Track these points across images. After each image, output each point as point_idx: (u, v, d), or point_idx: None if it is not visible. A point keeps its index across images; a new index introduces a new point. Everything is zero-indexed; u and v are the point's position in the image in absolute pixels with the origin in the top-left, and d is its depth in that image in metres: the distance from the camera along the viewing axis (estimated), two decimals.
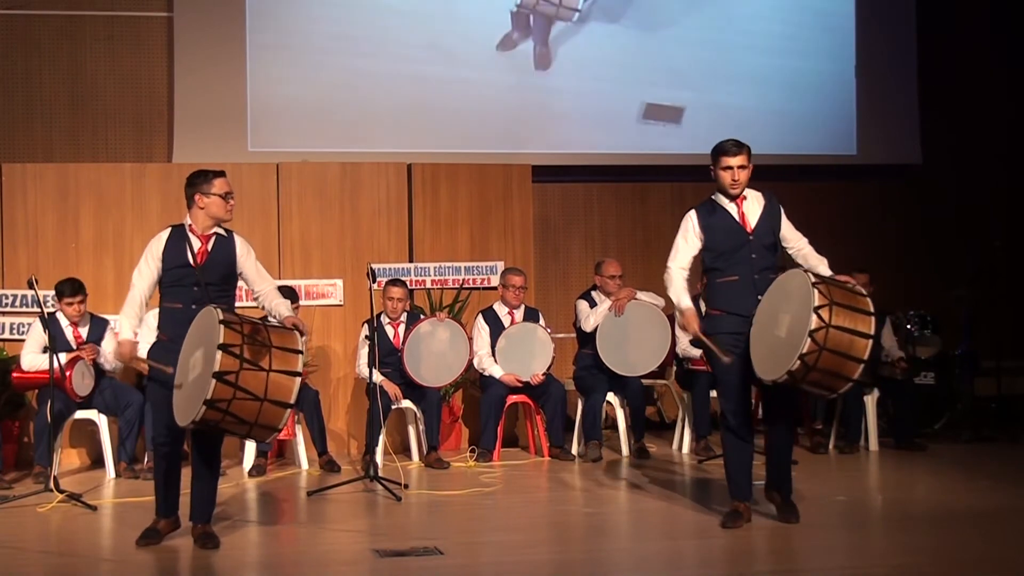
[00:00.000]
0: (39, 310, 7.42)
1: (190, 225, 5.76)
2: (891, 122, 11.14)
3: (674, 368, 9.13)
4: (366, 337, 8.00)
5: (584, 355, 8.74)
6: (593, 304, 8.75)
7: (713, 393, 8.63)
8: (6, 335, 8.61)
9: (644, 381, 8.80)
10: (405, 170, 9.44)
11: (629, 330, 8.57)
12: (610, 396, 8.67)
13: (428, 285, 9.30)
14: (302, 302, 8.78)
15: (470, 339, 8.56)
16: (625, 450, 8.64)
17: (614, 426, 8.95)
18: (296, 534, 6.32)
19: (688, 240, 6.03)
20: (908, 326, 9.41)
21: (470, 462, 8.35)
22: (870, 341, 5.47)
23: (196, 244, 5.70)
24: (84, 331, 7.99)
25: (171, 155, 10.06)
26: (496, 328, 8.67)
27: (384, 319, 8.47)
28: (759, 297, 5.78)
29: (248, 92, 10.13)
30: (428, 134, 10.34)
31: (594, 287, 8.86)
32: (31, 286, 7.05)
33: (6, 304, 8.68)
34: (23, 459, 8.26)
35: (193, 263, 5.65)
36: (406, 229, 9.38)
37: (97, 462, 8.36)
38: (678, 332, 8.78)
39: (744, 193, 5.98)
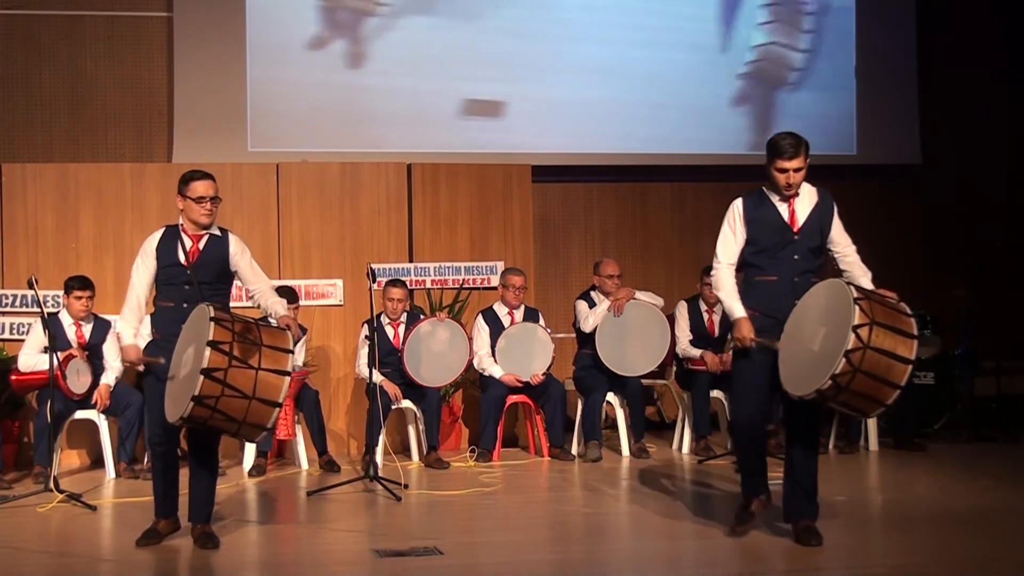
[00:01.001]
0: (39, 310, 7.41)
1: (182, 225, 5.80)
2: (891, 122, 11.14)
3: (674, 368, 9.12)
4: (366, 337, 8.00)
5: (584, 355, 8.74)
6: (592, 304, 8.74)
7: (714, 393, 8.66)
8: (6, 335, 8.61)
9: (644, 381, 8.80)
10: (405, 170, 9.44)
11: (628, 330, 8.57)
12: (610, 396, 8.66)
13: (428, 285, 9.29)
14: (302, 302, 8.77)
15: (470, 339, 8.56)
16: (625, 450, 8.64)
17: (614, 426, 8.94)
18: (296, 534, 6.33)
19: (736, 232, 5.65)
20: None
21: (470, 462, 8.35)
22: (910, 367, 5.12)
23: (188, 243, 5.74)
24: (87, 330, 7.99)
25: (171, 155, 10.06)
26: (496, 328, 8.67)
27: (384, 319, 8.47)
28: (796, 301, 5.44)
29: (248, 92, 10.13)
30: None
31: (593, 287, 8.86)
32: (31, 286, 7.06)
33: (6, 304, 8.68)
34: (23, 459, 8.26)
35: (184, 262, 5.69)
36: (406, 229, 9.38)
37: (97, 462, 8.36)
38: (678, 332, 8.80)
39: (797, 190, 5.63)
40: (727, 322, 8.56)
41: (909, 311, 5.29)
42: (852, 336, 5.02)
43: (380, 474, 7.26)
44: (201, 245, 5.76)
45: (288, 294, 8.33)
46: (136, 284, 5.77)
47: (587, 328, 8.65)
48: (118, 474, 7.91)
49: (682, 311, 8.86)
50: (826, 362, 5.11)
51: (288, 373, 5.33)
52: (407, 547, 5.60)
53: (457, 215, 9.46)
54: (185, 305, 5.61)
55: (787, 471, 5.66)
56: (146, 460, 7.88)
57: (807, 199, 5.65)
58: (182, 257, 5.70)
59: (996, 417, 9.32)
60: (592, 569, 5.39)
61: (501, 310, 8.77)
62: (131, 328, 5.76)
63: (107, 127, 10.23)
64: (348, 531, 6.27)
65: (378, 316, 8.24)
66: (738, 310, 5.59)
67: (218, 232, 5.83)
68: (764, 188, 5.71)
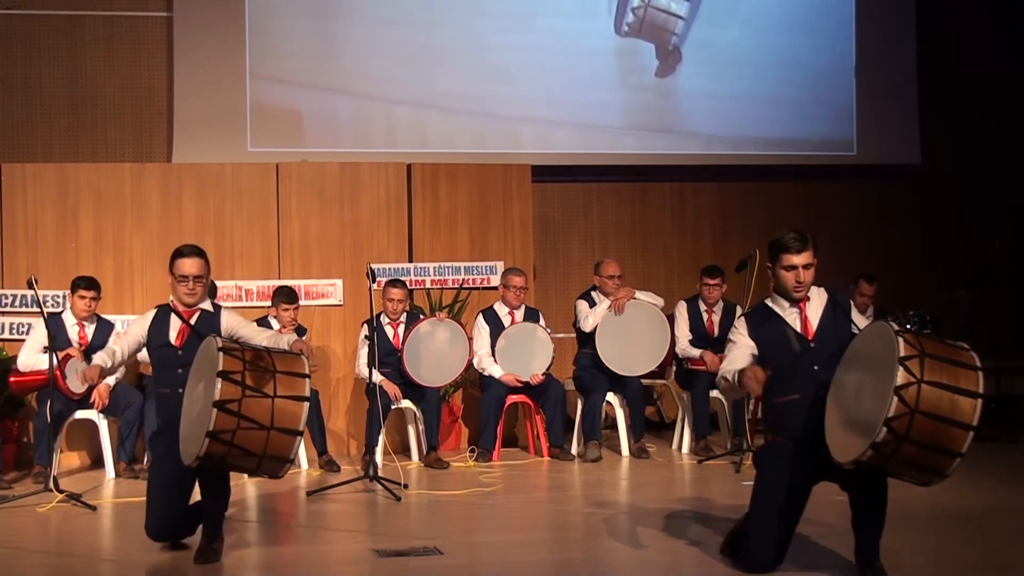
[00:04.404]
0: (39, 310, 7.40)
1: (173, 302, 5.64)
2: (890, 122, 11.14)
3: (674, 368, 9.12)
4: (365, 337, 8.00)
5: (584, 355, 8.74)
6: (592, 304, 8.74)
7: (714, 393, 8.66)
8: (6, 335, 8.60)
9: (644, 381, 8.80)
10: (405, 170, 9.43)
11: (628, 330, 8.57)
12: (610, 396, 8.66)
13: (428, 285, 9.29)
14: (302, 302, 8.75)
15: (470, 339, 8.56)
16: (625, 450, 8.64)
17: (614, 426, 8.94)
18: (296, 534, 6.32)
19: (742, 344, 5.11)
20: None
21: (470, 462, 8.35)
22: (979, 401, 4.42)
23: (179, 323, 5.56)
24: (90, 331, 7.96)
25: (171, 155, 10.07)
26: (496, 328, 8.66)
27: (384, 319, 8.47)
28: (823, 421, 4.84)
29: (248, 92, 10.14)
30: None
31: (594, 287, 8.86)
32: (31, 286, 7.06)
33: (6, 304, 8.67)
34: (23, 459, 8.25)
35: (176, 342, 5.55)
36: (406, 229, 9.37)
37: (97, 462, 8.36)
38: (677, 332, 8.80)
39: (807, 292, 5.09)
40: (726, 323, 8.62)
41: (967, 345, 4.63)
42: (900, 370, 4.38)
43: (380, 474, 7.26)
44: (193, 321, 5.55)
45: (288, 294, 8.34)
46: (120, 340, 5.73)
47: (587, 328, 8.65)
48: (118, 474, 7.91)
49: (681, 311, 8.86)
50: (876, 410, 4.44)
51: (307, 399, 5.02)
52: (407, 547, 5.61)
53: (457, 215, 9.46)
54: (180, 391, 5.35)
55: (856, 519, 5.12)
56: (145, 460, 7.87)
57: (817, 301, 5.13)
58: (173, 337, 5.54)
59: (996, 417, 9.31)
60: (592, 569, 5.39)
61: (501, 310, 8.77)
62: (101, 357, 5.62)
63: (107, 127, 10.23)
64: (348, 531, 6.28)
65: (378, 316, 8.24)
66: (738, 365, 5.03)
67: (211, 308, 5.65)
68: (766, 302, 5.21)
